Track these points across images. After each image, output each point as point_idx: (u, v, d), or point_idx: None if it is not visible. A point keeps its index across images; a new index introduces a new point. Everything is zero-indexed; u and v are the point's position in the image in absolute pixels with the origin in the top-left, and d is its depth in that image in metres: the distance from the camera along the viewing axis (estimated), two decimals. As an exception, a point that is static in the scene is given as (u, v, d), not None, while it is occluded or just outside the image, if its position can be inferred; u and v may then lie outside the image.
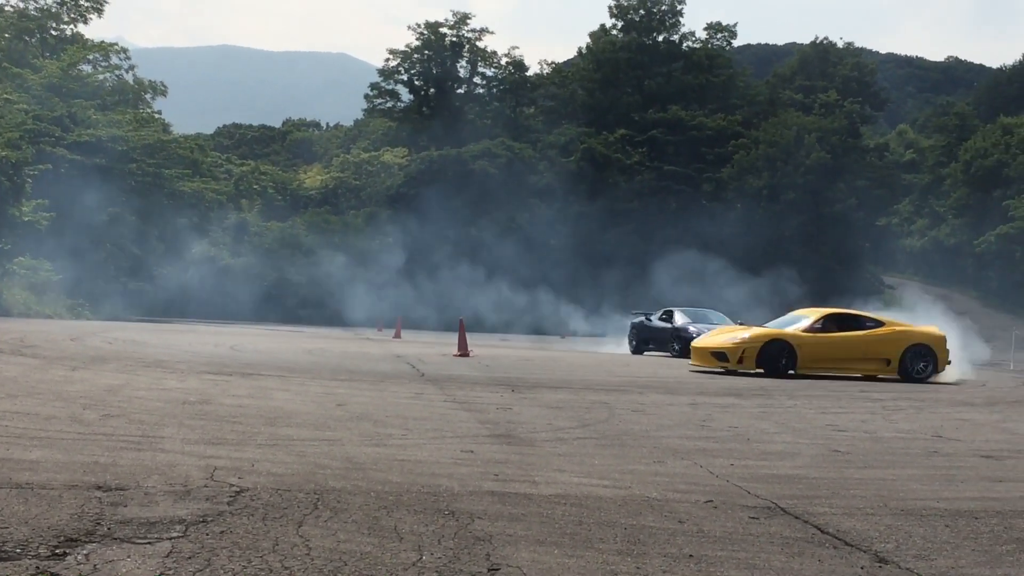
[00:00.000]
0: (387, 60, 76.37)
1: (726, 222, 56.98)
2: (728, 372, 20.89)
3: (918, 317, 25.49)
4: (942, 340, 20.74)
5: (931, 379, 20.53)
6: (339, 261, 54.76)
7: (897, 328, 21.16)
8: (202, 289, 51.77)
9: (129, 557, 4.61)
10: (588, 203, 59.00)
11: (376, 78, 77.80)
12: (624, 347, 32.18)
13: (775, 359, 20.62)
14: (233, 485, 6.31)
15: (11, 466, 6.57)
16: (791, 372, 20.57)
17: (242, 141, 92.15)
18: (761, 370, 20.64)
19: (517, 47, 76.49)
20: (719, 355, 21.23)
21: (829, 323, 21.46)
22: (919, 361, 20.54)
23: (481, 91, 77.60)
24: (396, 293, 49.11)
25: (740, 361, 20.83)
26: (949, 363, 20.84)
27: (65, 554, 4.62)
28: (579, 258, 54.94)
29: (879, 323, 21.35)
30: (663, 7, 71.81)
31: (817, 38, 78.33)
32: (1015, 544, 5.76)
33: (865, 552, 5.40)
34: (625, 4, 72.12)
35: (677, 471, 7.84)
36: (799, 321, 21.82)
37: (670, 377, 18.53)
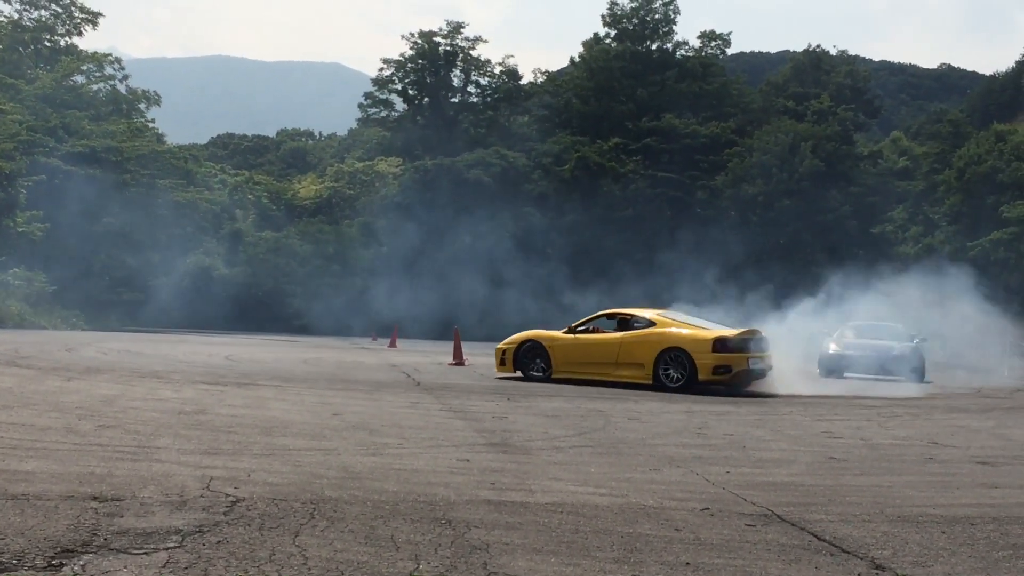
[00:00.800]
0: (381, 69, 76.42)
1: (721, 229, 57.03)
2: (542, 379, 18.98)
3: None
4: (704, 343, 17.46)
5: (689, 388, 17.41)
6: (334, 271, 54.73)
7: (656, 330, 18.24)
8: (196, 299, 51.70)
9: (126, 568, 4.61)
10: (582, 211, 58.96)
11: (370, 87, 77.79)
12: None
13: (529, 361, 19.17)
14: (229, 495, 6.30)
15: (7, 477, 6.56)
16: (551, 377, 18.77)
17: (236, 151, 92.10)
18: (519, 374, 19.23)
19: (512, 55, 76.28)
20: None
21: (603, 323, 19.62)
22: (674, 367, 17.59)
23: (475, 100, 77.64)
24: (391, 302, 49.07)
25: (503, 363, 19.55)
26: (726, 370, 17.42)
27: (61, 565, 4.62)
28: (574, 266, 54.95)
29: (649, 323, 18.57)
30: (657, 16, 71.90)
31: (810, 46, 78.62)
32: (1011, 550, 5.77)
33: (862, 559, 5.41)
34: (618, 13, 72.20)
35: (673, 479, 7.84)
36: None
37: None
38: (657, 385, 17.62)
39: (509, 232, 55.64)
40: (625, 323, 19.17)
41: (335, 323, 49.78)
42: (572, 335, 19.17)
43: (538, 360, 19.13)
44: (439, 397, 14.30)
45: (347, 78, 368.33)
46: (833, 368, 24.33)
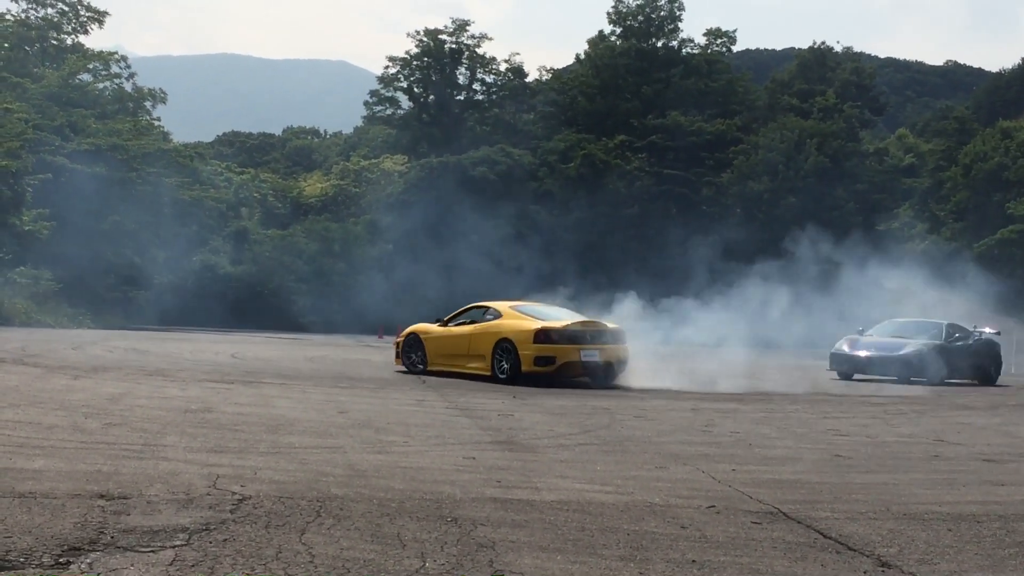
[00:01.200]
0: (386, 67, 76.40)
1: (726, 227, 57.01)
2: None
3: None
4: (527, 335, 17.43)
5: (515, 380, 17.29)
6: (339, 269, 54.75)
7: (496, 322, 18.45)
8: (202, 297, 51.76)
9: (133, 566, 4.62)
10: (588, 209, 58.98)
11: (376, 85, 77.77)
12: None
13: (410, 354, 19.75)
14: (236, 493, 6.31)
15: (14, 475, 6.58)
16: (427, 370, 19.28)
17: (242, 149, 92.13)
18: (404, 368, 19.78)
19: (518, 53, 76.10)
20: None
21: (477, 315, 19.57)
22: (505, 358, 17.66)
23: (480, 97, 77.59)
24: (396, 300, 49.07)
25: (397, 356, 20.18)
26: (549, 362, 17.31)
27: (69, 563, 4.63)
28: (580, 263, 54.95)
29: (497, 315, 18.75)
30: (662, 13, 71.84)
31: (815, 43, 78.39)
32: (1017, 548, 5.77)
33: (868, 556, 5.41)
34: (624, 10, 72.15)
35: (679, 477, 7.84)
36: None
37: (671, 382, 18.48)
38: (494, 376, 17.77)
39: (515, 229, 55.62)
40: (482, 315, 19.40)
41: (340, 321, 49.80)
42: (443, 328, 19.55)
43: (418, 352, 19.64)
44: (445, 395, 14.31)
45: (353, 76, 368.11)
46: (843, 369, 23.30)
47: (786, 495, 7.16)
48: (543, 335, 17.40)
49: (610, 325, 18.44)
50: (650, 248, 55.78)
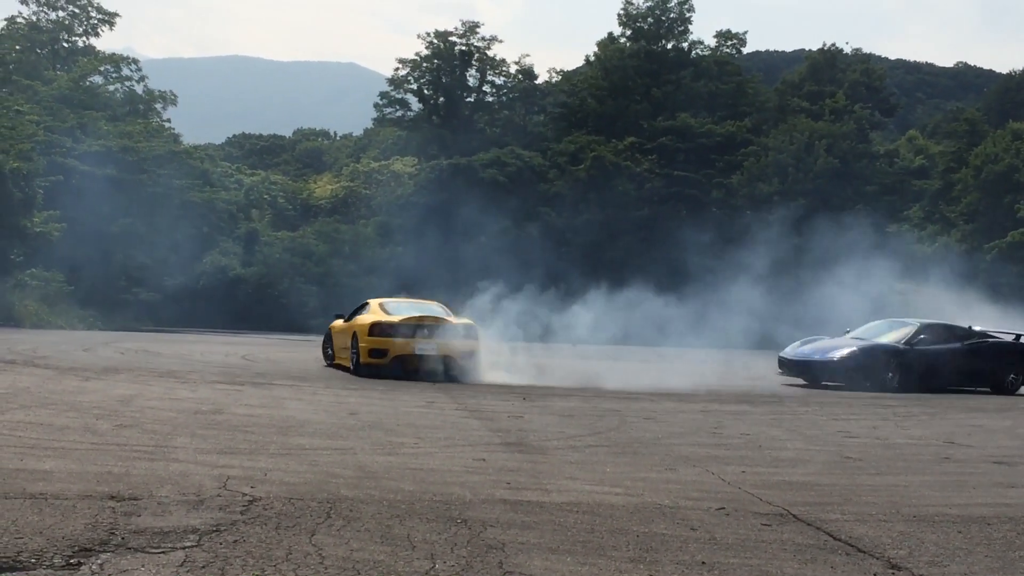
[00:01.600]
0: (396, 69, 76.46)
1: (736, 229, 56.91)
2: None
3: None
4: (364, 328, 18.03)
5: (358, 371, 18.02)
6: (349, 270, 54.77)
7: (357, 317, 19.35)
8: (213, 299, 51.80)
9: (143, 567, 4.63)
10: (598, 211, 58.96)
11: (385, 87, 77.84)
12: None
13: (326, 349, 21.44)
14: (246, 494, 6.32)
15: (25, 476, 6.60)
16: (334, 363, 20.61)
17: (252, 151, 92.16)
18: (326, 362, 21.26)
19: (528, 55, 76.09)
20: None
21: (360, 311, 20.13)
22: (356, 351, 18.36)
23: (490, 99, 77.61)
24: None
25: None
26: (382, 354, 17.85)
27: (79, 564, 4.64)
28: (589, 265, 54.93)
29: (367, 310, 19.61)
30: (672, 15, 71.84)
31: (825, 44, 78.30)
32: (1028, 550, 5.75)
33: (878, 559, 5.40)
34: (633, 12, 72.17)
35: (689, 478, 7.83)
36: None
37: (682, 384, 18.47)
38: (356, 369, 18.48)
39: (524, 231, 55.60)
40: (360, 310, 20.19)
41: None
42: (342, 323, 20.48)
43: (330, 347, 21.08)
44: (454, 396, 14.31)
45: (362, 78, 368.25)
46: (787, 373, 21.49)
47: (796, 497, 7.15)
48: (375, 329, 18.10)
49: (454, 320, 18.83)
50: (660, 249, 55.71)
